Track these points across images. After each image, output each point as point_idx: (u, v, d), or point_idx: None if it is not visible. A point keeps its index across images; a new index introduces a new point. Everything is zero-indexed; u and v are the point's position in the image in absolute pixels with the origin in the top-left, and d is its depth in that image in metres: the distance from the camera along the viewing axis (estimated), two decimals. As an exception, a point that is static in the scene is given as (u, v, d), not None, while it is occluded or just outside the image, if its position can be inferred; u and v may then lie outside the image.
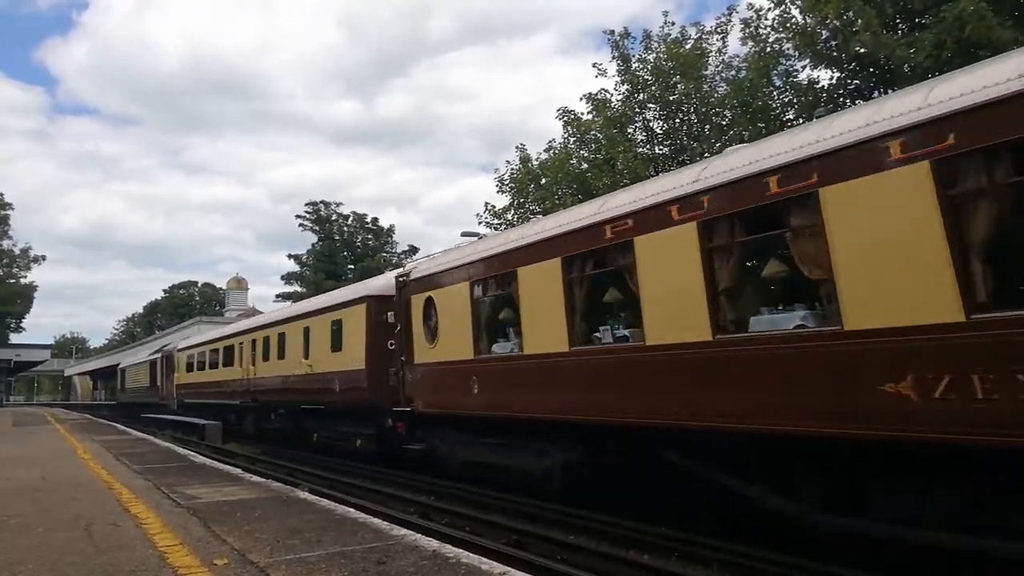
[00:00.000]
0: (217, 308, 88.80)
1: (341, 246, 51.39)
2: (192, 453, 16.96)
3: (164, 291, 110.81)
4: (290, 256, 53.51)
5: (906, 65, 13.91)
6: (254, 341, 22.43)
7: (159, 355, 36.30)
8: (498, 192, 25.16)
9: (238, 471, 13.08)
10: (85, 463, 13.82)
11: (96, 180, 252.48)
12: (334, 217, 52.18)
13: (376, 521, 7.88)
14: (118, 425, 32.48)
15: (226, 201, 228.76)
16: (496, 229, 24.20)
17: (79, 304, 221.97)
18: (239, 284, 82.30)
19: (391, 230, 53.53)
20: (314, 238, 52.20)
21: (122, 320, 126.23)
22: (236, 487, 10.36)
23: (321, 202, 52.77)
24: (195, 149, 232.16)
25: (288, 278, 52.89)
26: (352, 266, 49.95)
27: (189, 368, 30.15)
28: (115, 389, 50.99)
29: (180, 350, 32.14)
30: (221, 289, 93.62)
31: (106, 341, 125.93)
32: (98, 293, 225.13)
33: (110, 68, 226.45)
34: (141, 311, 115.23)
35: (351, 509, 8.91)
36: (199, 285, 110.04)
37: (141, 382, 40.84)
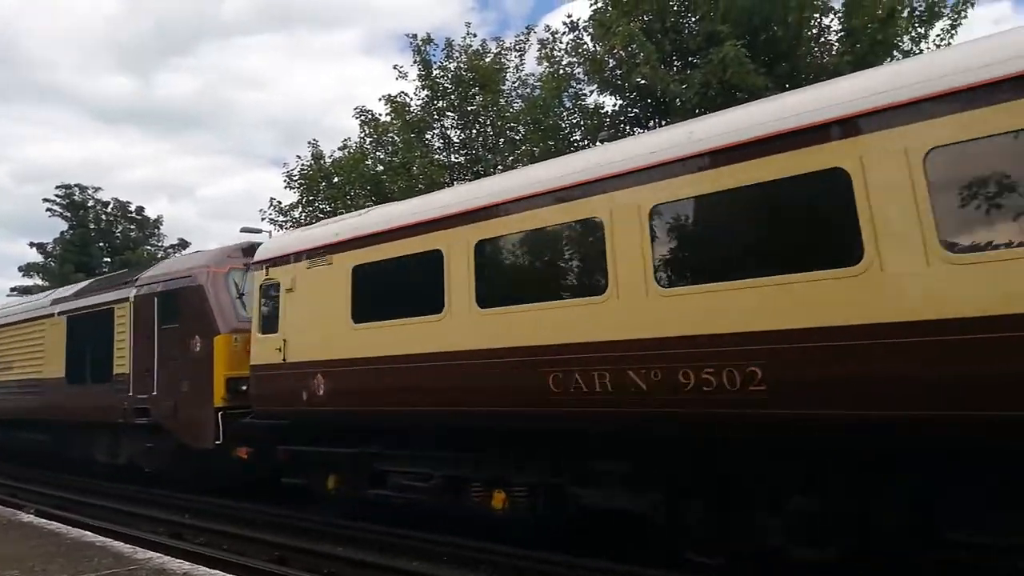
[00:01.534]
0: (-65, 301, 75.09)
1: (97, 236, 45.67)
2: None
3: None
4: (32, 244, 46.60)
5: (678, 99, 15.27)
6: None
7: (142, 288, 13.58)
8: (286, 188, 23.96)
9: (-59, 491, 11.07)
10: None
11: None
12: (91, 203, 46.30)
13: (117, 544, 7.48)
14: None
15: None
16: (282, 227, 22.97)
17: None
18: (-34, 274, 70.35)
19: (159, 221, 48.60)
20: (64, 225, 45.97)
21: None
22: (-66, 510, 8.79)
23: (76, 185, 46.49)
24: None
25: (28, 269, 45.99)
26: (108, 259, 44.56)
27: (368, 313, 9.13)
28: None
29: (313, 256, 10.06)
30: (-59, 279, 79.51)
31: None
32: None
33: None
34: None
35: (88, 532, 8.23)
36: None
37: (38, 370, 16.08)
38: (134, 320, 13.29)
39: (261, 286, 10.53)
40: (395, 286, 9.04)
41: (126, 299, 13.69)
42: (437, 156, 21.90)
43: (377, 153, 22.88)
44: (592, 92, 18.74)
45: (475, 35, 22.31)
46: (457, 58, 22.00)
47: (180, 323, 12.17)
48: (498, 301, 7.72)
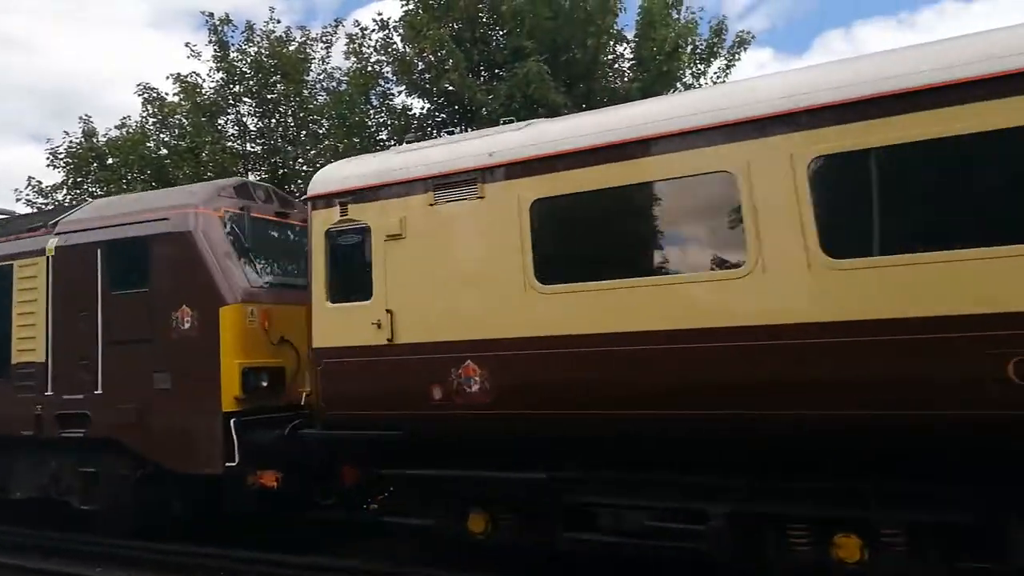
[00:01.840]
0: None
1: None
2: None
3: None
4: None
5: (484, 108, 15.56)
6: None
7: (69, 236, 9.56)
8: (49, 167, 21.16)
9: None
10: None
11: None
12: None
13: None
14: None
15: None
16: (41, 209, 20.22)
17: None
18: None
19: None
20: None
21: None
22: None
23: None
24: None
25: None
26: None
27: (568, 269, 6.57)
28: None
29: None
30: None
31: None
32: None
33: None
34: None
35: None
36: None
37: None
38: (53, 283, 9.34)
39: (330, 232, 7.46)
40: (626, 228, 6.40)
41: (39, 252, 9.52)
42: (230, 143, 20.47)
43: (161, 136, 20.92)
44: (400, 93, 18.58)
45: (279, 21, 21.19)
46: (258, 43, 20.72)
47: (151, 287, 8.55)
48: (878, 247, 5.18)
